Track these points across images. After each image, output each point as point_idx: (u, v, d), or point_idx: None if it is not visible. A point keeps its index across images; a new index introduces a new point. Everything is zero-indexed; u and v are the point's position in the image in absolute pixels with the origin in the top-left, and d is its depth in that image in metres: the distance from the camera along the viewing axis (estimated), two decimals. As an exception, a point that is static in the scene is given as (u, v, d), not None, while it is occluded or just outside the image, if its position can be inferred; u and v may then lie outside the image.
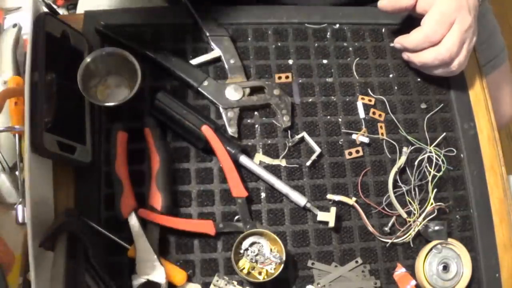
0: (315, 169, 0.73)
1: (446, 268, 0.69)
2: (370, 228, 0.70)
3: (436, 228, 0.68)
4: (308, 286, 0.67)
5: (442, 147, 0.75)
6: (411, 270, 0.70)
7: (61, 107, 0.68)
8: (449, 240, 0.69)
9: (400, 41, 0.76)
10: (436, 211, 0.70)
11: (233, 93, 0.73)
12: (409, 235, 0.69)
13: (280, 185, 0.70)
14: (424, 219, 0.69)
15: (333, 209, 0.68)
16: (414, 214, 0.70)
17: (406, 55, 0.77)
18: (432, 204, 0.70)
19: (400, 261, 0.70)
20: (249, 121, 0.75)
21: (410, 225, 0.70)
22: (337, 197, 0.70)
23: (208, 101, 0.74)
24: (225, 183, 0.70)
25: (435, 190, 0.71)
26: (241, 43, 0.79)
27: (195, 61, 0.76)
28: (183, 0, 0.77)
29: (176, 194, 0.70)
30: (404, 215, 0.70)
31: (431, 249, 0.69)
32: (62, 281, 0.51)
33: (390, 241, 0.70)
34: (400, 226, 0.70)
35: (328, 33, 0.81)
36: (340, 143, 0.75)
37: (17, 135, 0.70)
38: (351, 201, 0.70)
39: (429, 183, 0.71)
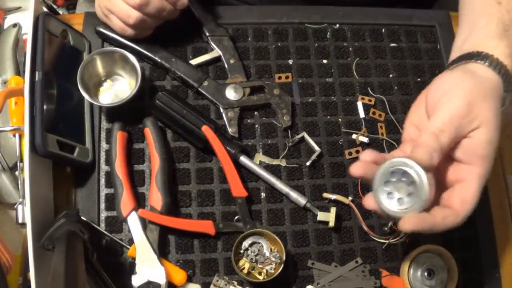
0: (315, 169, 0.73)
1: (430, 274, 0.68)
2: (365, 228, 0.70)
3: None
4: (308, 286, 0.67)
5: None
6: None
7: (61, 107, 0.68)
8: (437, 247, 0.69)
9: (419, 225, 0.51)
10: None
11: (233, 93, 0.73)
12: (403, 236, 0.69)
13: (280, 185, 0.70)
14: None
15: (333, 209, 0.69)
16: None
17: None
18: None
19: (400, 261, 0.70)
20: (249, 121, 0.75)
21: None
22: (333, 196, 0.70)
23: (208, 101, 0.74)
24: (225, 183, 0.70)
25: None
26: (241, 43, 0.79)
27: (195, 61, 0.76)
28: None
29: (176, 194, 0.70)
30: (401, 215, 0.70)
31: (417, 255, 0.68)
32: (62, 281, 0.51)
33: (386, 241, 0.69)
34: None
35: (328, 33, 0.81)
36: (340, 143, 0.75)
37: (17, 135, 0.70)
38: (347, 200, 0.70)
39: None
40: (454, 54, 0.61)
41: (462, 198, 0.53)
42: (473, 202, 0.53)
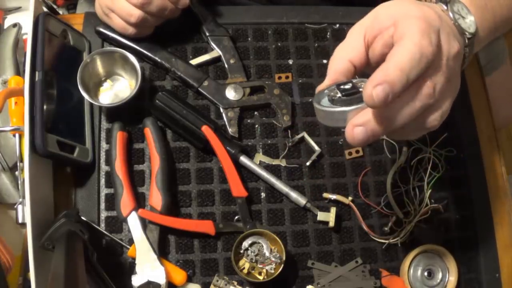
0: (315, 169, 0.73)
1: (430, 274, 0.68)
2: (365, 228, 0.70)
3: (431, 231, 0.68)
4: (308, 286, 0.67)
5: (442, 147, 0.75)
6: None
7: (61, 107, 0.68)
8: (437, 247, 0.69)
9: (379, 79, 0.43)
10: (430, 212, 0.70)
11: (233, 93, 0.73)
12: (404, 236, 0.69)
13: (280, 185, 0.70)
14: (418, 220, 0.69)
15: (333, 209, 0.69)
16: (411, 214, 0.70)
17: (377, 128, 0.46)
18: (428, 205, 0.70)
19: (400, 261, 0.70)
20: (249, 121, 0.75)
21: (405, 226, 0.69)
22: (333, 196, 0.70)
23: (208, 101, 0.74)
24: (225, 183, 0.70)
25: (431, 191, 0.71)
26: (241, 43, 0.79)
27: (195, 61, 0.76)
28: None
29: (176, 194, 0.70)
30: (401, 215, 0.70)
31: (417, 254, 0.68)
32: (62, 281, 0.51)
33: (386, 241, 0.69)
34: (399, 227, 0.70)
35: (328, 33, 0.81)
36: (340, 143, 0.75)
37: (17, 135, 0.70)
38: (347, 200, 0.70)
39: (425, 184, 0.71)
40: None
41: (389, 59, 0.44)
42: (403, 59, 0.43)
